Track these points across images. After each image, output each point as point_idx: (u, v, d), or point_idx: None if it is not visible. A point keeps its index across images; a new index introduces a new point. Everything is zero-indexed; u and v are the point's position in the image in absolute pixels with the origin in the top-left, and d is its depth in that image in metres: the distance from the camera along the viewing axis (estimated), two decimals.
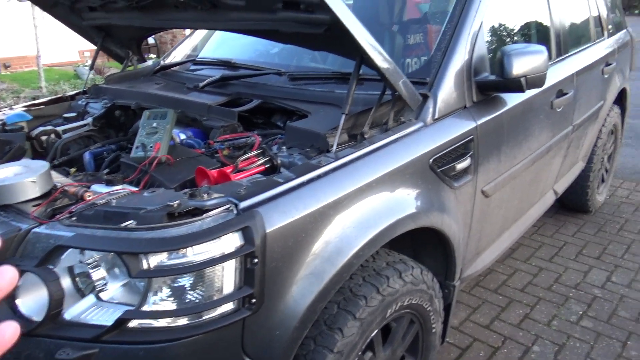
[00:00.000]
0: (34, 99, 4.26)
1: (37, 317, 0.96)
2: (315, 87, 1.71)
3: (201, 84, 1.90)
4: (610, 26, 3.07)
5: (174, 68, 2.22)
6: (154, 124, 1.48)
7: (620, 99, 3.25)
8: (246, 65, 1.94)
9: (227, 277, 1.00)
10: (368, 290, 1.28)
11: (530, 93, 1.87)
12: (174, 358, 0.96)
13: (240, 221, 1.00)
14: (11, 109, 2.01)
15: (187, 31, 3.10)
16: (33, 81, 7.58)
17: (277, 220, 1.05)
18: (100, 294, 0.99)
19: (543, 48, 1.67)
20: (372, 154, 1.32)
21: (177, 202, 1.01)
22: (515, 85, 1.63)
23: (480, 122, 1.66)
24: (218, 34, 2.43)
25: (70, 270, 1.00)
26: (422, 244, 1.67)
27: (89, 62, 8.33)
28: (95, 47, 2.20)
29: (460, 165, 1.58)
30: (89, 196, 1.15)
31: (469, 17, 1.73)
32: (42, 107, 2.01)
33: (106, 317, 0.97)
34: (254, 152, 1.35)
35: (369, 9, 2.27)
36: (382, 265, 1.37)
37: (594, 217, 3.22)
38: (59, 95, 2.24)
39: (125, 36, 2.20)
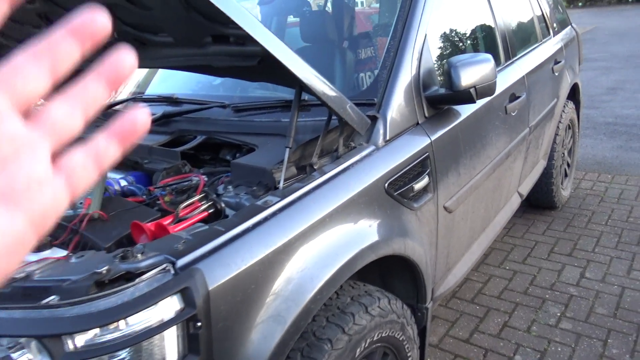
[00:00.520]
0: None
1: None
2: (261, 117, 1.64)
3: None
4: (555, 24, 3.12)
5: (114, 108, 2.11)
6: None
7: (574, 94, 3.29)
8: (189, 99, 1.85)
9: (168, 346, 0.90)
10: (333, 332, 1.20)
11: (482, 101, 1.84)
12: None
13: (179, 282, 0.91)
14: None
15: None
16: None
17: (220, 275, 0.96)
18: None
19: (489, 56, 1.65)
20: (323, 186, 1.24)
21: (105, 267, 0.91)
22: (466, 97, 1.59)
23: (434, 137, 1.62)
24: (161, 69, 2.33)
25: None
26: (389, 269, 1.61)
27: None
28: None
29: (419, 185, 1.52)
30: None
31: (412, 31, 1.70)
32: None
33: None
34: (197, 197, 1.26)
35: (317, 26, 2.23)
36: (346, 301, 1.29)
37: (561, 213, 3.24)
38: None
39: None
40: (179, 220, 1.18)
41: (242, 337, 1.00)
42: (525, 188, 2.64)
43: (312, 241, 1.15)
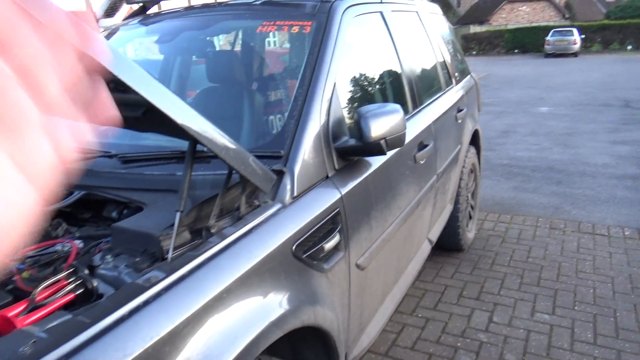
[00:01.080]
0: None
1: None
2: (152, 170, 1.45)
3: None
4: (456, 73, 3.27)
5: None
6: None
7: (474, 139, 3.45)
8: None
9: None
10: None
11: (393, 151, 1.81)
12: None
13: None
14: None
15: None
16: None
17: None
18: None
19: (398, 107, 1.61)
20: (220, 255, 1.08)
21: None
22: (376, 149, 1.53)
23: (345, 191, 1.53)
24: None
25: None
26: (299, 338, 1.45)
27: None
28: None
29: (329, 244, 1.41)
30: None
31: (321, 78, 1.62)
32: None
33: None
34: (62, 274, 1.03)
35: (224, 66, 2.09)
36: None
37: (468, 255, 3.32)
38: None
39: None
40: (34, 307, 0.95)
41: None
42: (435, 234, 2.65)
43: (206, 325, 0.97)
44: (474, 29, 33.43)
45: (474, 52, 30.50)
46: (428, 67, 2.79)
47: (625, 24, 27.13)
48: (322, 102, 1.57)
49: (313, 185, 1.44)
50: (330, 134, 1.55)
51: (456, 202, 3.04)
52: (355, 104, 1.86)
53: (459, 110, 2.96)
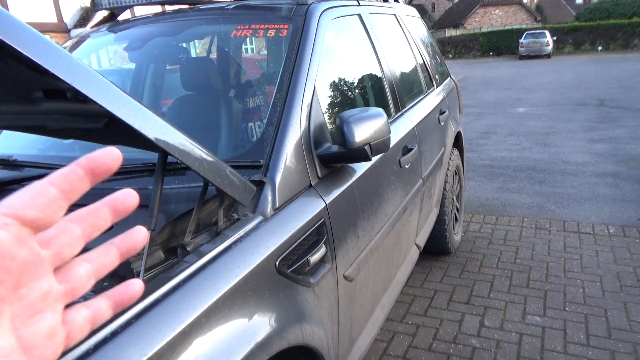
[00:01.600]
0: None
1: None
2: (122, 184, 1.35)
3: None
4: (437, 75, 3.24)
5: None
6: None
7: (457, 141, 3.42)
8: (31, 162, 1.50)
9: None
10: None
11: (377, 156, 1.74)
12: None
13: None
14: None
15: None
16: None
17: None
18: None
19: (381, 110, 1.54)
20: (197, 275, 0.99)
21: None
22: (361, 155, 1.46)
23: (329, 200, 1.45)
24: None
25: None
26: (287, 357, 1.37)
27: None
28: None
29: (315, 257, 1.33)
30: None
31: (300, 83, 1.55)
32: None
33: None
34: None
35: (198, 73, 2.01)
36: None
37: (455, 258, 3.27)
38: None
39: None
40: None
41: None
42: (422, 239, 2.59)
43: (184, 354, 0.88)
44: (449, 32, 33.92)
45: (450, 56, 30.91)
46: (409, 69, 2.75)
47: (595, 25, 27.83)
48: (302, 108, 1.50)
49: (295, 195, 1.36)
50: (312, 141, 1.48)
51: (442, 205, 3.00)
52: (337, 109, 1.80)
53: (442, 113, 2.93)
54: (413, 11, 3.40)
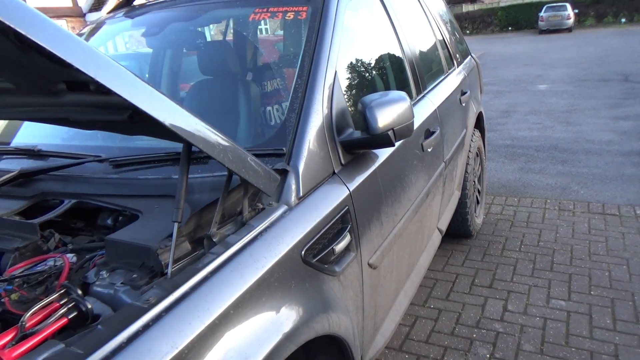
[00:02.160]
0: None
1: None
2: (146, 173, 1.35)
3: None
4: (457, 55, 3.16)
5: None
6: None
7: (478, 122, 3.35)
8: (56, 152, 1.50)
9: None
10: None
11: (400, 141, 1.71)
12: None
13: None
14: None
15: None
16: None
17: None
18: None
19: (404, 94, 1.50)
20: (224, 267, 0.99)
21: None
22: (384, 140, 1.43)
23: (353, 187, 1.43)
24: None
25: None
26: (313, 346, 1.37)
27: None
28: None
29: (340, 245, 1.31)
30: None
31: (321, 67, 1.52)
32: None
33: None
34: (53, 295, 0.94)
35: (216, 57, 1.98)
36: None
37: (477, 241, 3.23)
38: None
39: None
40: (23, 336, 0.85)
41: None
42: (444, 223, 2.56)
43: (213, 347, 0.88)
44: (466, 7, 33.06)
45: (468, 32, 30.19)
46: (429, 49, 2.68)
47: None
48: (324, 93, 1.46)
49: (319, 183, 1.34)
50: (334, 127, 1.45)
51: (463, 188, 2.95)
52: (358, 93, 1.76)
53: (463, 93, 2.86)
54: None
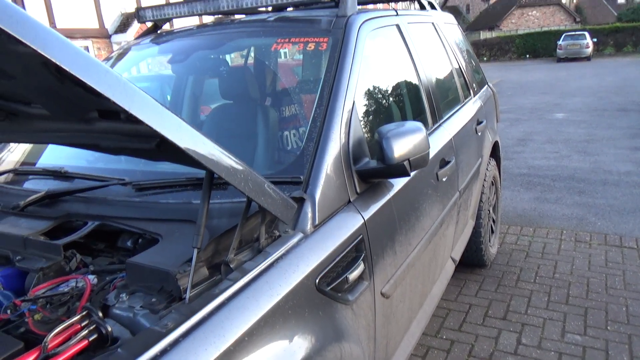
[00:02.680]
0: None
1: None
2: (168, 197, 1.39)
3: (22, 204, 1.47)
4: (474, 84, 3.19)
5: None
6: None
7: (494, 151, 3.36)
8: (81, 174, 1.56)
9: None
10: None
11: (415, 170, 1.73)
12: None
13: None
14: None
15: None
16: None
17: None
18: None
19: (420, 125, 1.52)
20: (240, 293, 1.01)
21: None
22: (400, 170, 1.45)
23: (368, 216, 1.45)
24: None
25: None
26: None
27: None
28: None
29: (354, 274, 1.33)
30: None
31: (340, 97, 1.56)
32: None
33: None
34: (75, 317, 0.97)
35: (237, 83, 2.04)
36: None
37: (491, 271, 3.21)
38: None
39: None
40: (46, 357, 0.88)
41: None
42: (458, 252, 2.55)
43: None
44: (484, 35, 33.29)
45: (485, 59, 30.33)
46: (446, 79, 2.72)
47: (638, 26, 26.79)
48: (342, 123, 1.50)
49: (335, 211, 1.37)
50: (351, 156, 1.48)
51: (478, 217, 2.94)
52: (376, 122, 1.79)
53: (479, 123, 2.88)
54: (450, 18, 3.36)
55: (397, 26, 2.25)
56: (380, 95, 1.96)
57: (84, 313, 0.98)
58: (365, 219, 1.43)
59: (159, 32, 2.38)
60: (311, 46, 1.81)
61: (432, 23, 2.82)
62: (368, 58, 1.87)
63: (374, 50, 2.01)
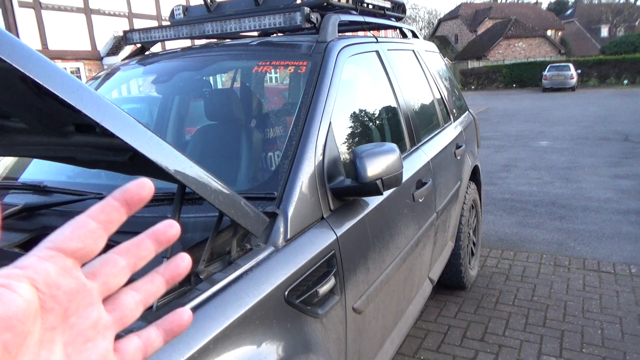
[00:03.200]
0: None
1: None
2: (143, 212, 1.41)
3: None
4: (454, 110, 3.28)
5: None
6: None
7: (474, 175, 3.43)
8: (60, 189, 1.59)
9: None
10: None
11: (390, 190, 1.78)
12: None
13: None
14: None
15: None
16: None
17: None
18: None
19: (394, 146, 1.59)
20: (208, 303, 1.04)
21: None
22: (372, 189, 1.50)
23: (340, 232, 1.49)
24: None
25: None
26: None
27: None
28: None
29: (324, 288, 1.36)
30: None
31: (316, 118, 1.61)
32: None
33: None
34: None
35: (218, 108, 2.10)
36: None
37: (471, 293, 3.24)
38: None
39: None
40: None
41: None
42: (436, 273, 2.59)
43: None
44: (472, 64, 34.06)
45: (473, 87, 30.97)
46: (425, 104, 2.80)
47: (620, 59, 27.62)
48: (317, 142, 1.55)
49: (307, 227, 1.41)
50: (326, 174, 1.53)
51: (457, 239, 2.99)
52: (352, 144, 1.85)
53: (458, 147, 2.95)
54: (432, 46, 3.48)
55: (377, 52, 2.34)
56: (358, 118, 2.03)
57: None
58: (338, 235, 1.47)
59: (146, 53, 2.45)
60: (291, 69, 1.88)
61: (413, 50, 2.92)
62: (346, 82, 1.94)
63: (352, 75, 2.08)
